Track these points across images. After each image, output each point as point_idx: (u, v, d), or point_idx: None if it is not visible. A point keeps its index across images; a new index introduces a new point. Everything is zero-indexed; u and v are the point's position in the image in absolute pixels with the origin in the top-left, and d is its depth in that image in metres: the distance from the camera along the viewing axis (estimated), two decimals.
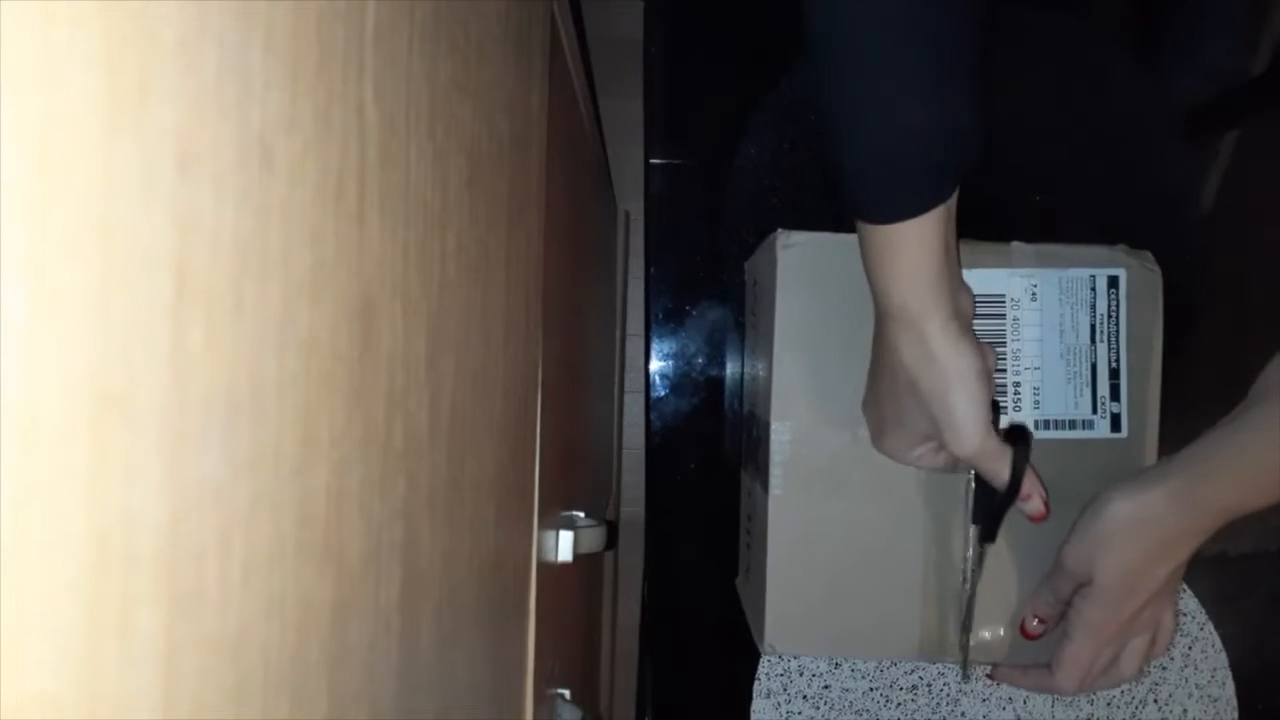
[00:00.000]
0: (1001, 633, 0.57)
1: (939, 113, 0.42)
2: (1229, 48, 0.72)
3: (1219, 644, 0.64)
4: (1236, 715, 0.64)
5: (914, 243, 0.45)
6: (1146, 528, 0.49)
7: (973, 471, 0.53)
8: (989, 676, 0.58)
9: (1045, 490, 0.52)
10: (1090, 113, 0.69)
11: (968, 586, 0.56)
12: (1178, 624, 0.57)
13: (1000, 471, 0.50)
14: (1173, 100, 0.71)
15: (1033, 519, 0.52)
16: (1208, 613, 0.64)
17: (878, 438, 0.54)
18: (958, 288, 0.48)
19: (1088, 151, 0.69)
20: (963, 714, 0.63)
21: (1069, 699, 0.63)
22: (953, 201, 0.46)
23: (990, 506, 0.53)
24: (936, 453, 0.52)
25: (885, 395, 0.51)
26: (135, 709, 0.11)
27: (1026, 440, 0.51)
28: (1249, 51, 0.71)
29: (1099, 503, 0.51)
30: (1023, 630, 0.56)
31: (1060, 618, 0.54)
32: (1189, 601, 0.64)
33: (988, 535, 0.54)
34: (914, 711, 0.63)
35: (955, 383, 0.47)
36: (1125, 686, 0.63)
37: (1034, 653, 0.56)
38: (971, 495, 0.55)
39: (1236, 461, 0.47)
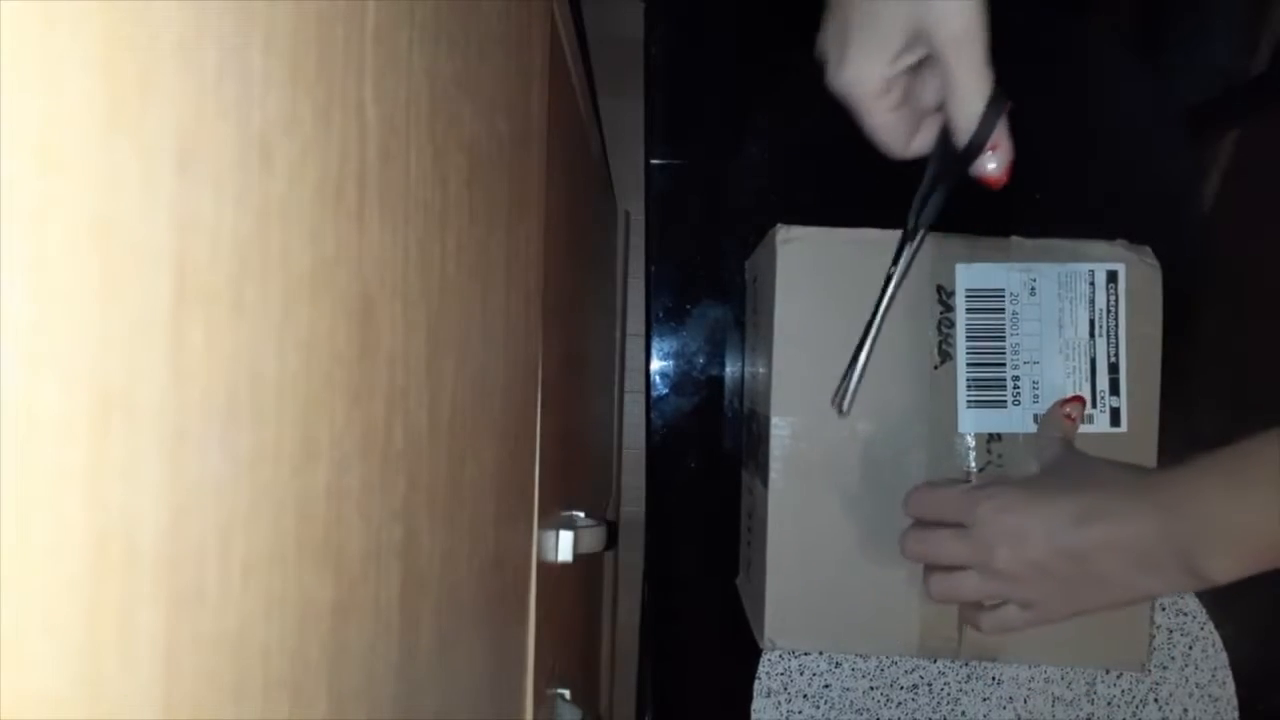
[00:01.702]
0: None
1: None
2: (1229, 48, 0.72)
3: (1219, 644, 0.64)
4: (1237, 715, 0.64)
5: None
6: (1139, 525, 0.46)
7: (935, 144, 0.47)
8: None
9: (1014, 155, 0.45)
10: (1091, 111, 0.69)
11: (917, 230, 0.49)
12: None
13: (979, 89, 0.43)
14: (1173, 99, 0.71)
15: (989, 182, 0.45)
16: (1208, 613, 0.64)
17: (839, 63, 0.45)
18: None
19: (1088, 149, 0.69)
20: (963, 713, 0.63)
21: (1070, 699, 0.63)
22: None
23: (951, 158, 0.45)
24: (914, 66, 0.45)
25: None
26: (135, 708, 0.11)
27: (1002, 88, 0.44)
28: (1249, 51, 0.71)
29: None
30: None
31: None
32: (1189, 601, 0.64)
33: (949, 177, 0.47)
34: (914, 710, 0.63)
35: None
36: (1124, 686, 0.63)
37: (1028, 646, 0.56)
38: (930, 173, 0.47)
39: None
